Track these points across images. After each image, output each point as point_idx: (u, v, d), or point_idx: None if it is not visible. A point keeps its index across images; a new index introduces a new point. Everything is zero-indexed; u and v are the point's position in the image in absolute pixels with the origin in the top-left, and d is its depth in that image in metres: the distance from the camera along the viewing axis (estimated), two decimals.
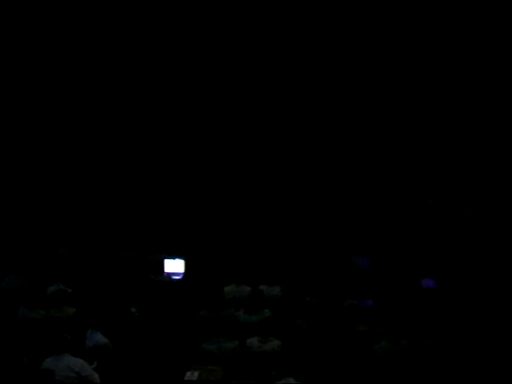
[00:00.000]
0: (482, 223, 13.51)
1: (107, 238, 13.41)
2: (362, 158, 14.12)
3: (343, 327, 9.86)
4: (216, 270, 12.41)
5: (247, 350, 9.17)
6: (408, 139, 13.99)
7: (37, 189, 14.02)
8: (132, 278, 11.87)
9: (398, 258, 13.23)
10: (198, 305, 10.41)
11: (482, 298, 11.35)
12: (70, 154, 14.01)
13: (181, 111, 13.92)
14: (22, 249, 12.77)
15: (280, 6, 13.28)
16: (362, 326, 9.77)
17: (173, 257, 12.67)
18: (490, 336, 9.80)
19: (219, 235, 13.92)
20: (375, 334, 9.40)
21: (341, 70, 13.59)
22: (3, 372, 7.97)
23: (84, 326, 9.05)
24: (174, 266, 12.60)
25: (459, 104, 13.53)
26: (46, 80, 13.63)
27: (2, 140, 13.70)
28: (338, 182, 14.17)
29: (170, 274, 12.52)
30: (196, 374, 8.46)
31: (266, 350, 9.14)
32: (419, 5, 13.07)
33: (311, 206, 14.17)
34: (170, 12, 13.42)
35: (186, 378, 8.41)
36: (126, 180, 14.13)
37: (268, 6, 13.25)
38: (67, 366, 7.99)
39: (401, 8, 13.10)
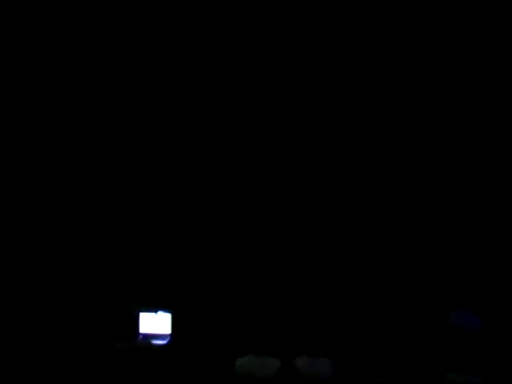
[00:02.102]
0: None
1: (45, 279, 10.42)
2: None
3: None
4: (223, 331, 9.82)
5: None
6: None
7: None
8: (86, 345, 9.10)
9: None
10: None
11: None
12: None
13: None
14: None
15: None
16: None
17: (153, 309, 9.83)
18: None
19: (227, 272, 10.78)
20: None
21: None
22: None
23: None
24: (156, 325, 9.85)
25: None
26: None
27: None
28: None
29: (148, 337, 9.72)
30: None
31: None
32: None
33: (380, 221, 10.75)
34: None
35: None
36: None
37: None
38: None
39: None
